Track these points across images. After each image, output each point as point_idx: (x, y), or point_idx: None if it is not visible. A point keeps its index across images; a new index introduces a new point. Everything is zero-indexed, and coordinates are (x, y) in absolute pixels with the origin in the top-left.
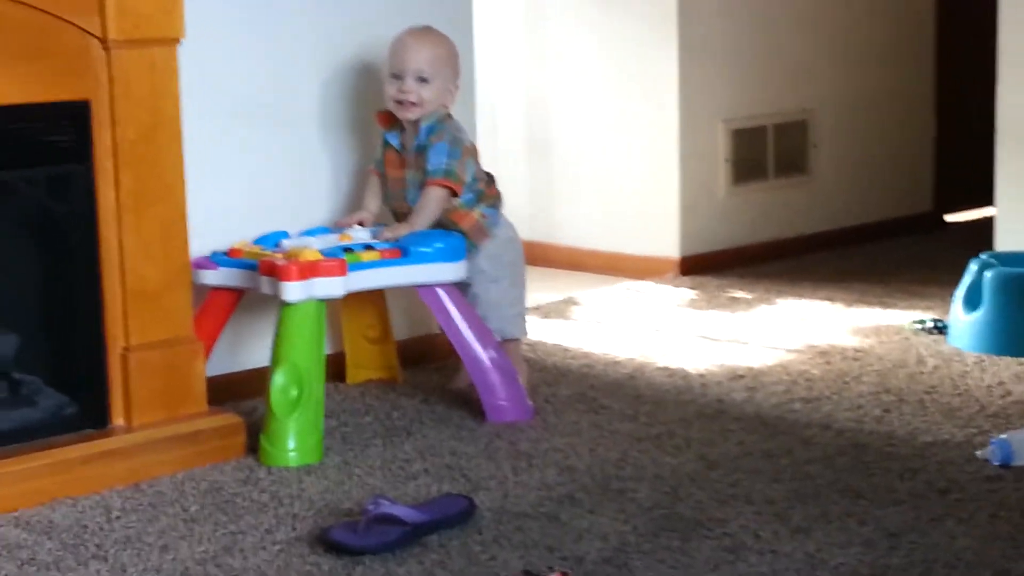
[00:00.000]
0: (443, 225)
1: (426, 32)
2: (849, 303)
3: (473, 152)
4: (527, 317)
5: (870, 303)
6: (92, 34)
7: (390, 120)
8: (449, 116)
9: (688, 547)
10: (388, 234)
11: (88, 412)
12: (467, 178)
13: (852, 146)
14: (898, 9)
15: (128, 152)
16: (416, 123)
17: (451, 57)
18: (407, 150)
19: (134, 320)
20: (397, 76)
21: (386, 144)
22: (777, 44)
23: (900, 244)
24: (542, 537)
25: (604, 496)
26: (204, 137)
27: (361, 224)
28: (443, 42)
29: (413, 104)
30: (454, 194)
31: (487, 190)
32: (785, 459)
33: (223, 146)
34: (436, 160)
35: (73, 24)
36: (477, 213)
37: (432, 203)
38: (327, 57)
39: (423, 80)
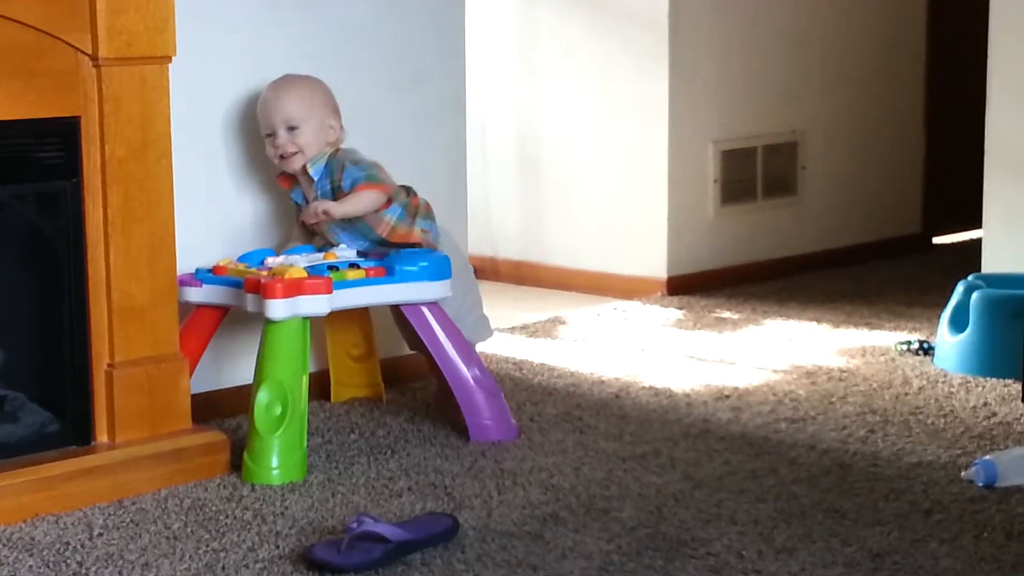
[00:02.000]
0: (392, 247)
1: (285, 81)
2: (836, 324)
3: (381, 167)
4: (487, 315)
5: (857, 324)
6: (83, 51)
7: (290, 179)
8: (337, 151)
9: (672, 567)
10: (320, 206)
11: (72, 428)
12: (391, 182)
13: (841, 167)
14: (888, 31)
15: (117, 169)
16: (305, 170)
17: (318, 96)
18: (312, 186)
19: (119, 337)
20: (270, 134)
21: (296, 203)
22: (767, 66)
23: (888, 265)
24: (526, 556)
25: (588, 515)
26: (191, 154)
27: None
28: (305, 84)
29: (293, 154)
30: (388, 200)
31: (411, 200)
32: (770, 479)
33: (210, 163)
34: (354, 176)
35: (64, 41)
36: (418, 230)
37: (363, 197)
38: (317, 74)
39: (293, 128)
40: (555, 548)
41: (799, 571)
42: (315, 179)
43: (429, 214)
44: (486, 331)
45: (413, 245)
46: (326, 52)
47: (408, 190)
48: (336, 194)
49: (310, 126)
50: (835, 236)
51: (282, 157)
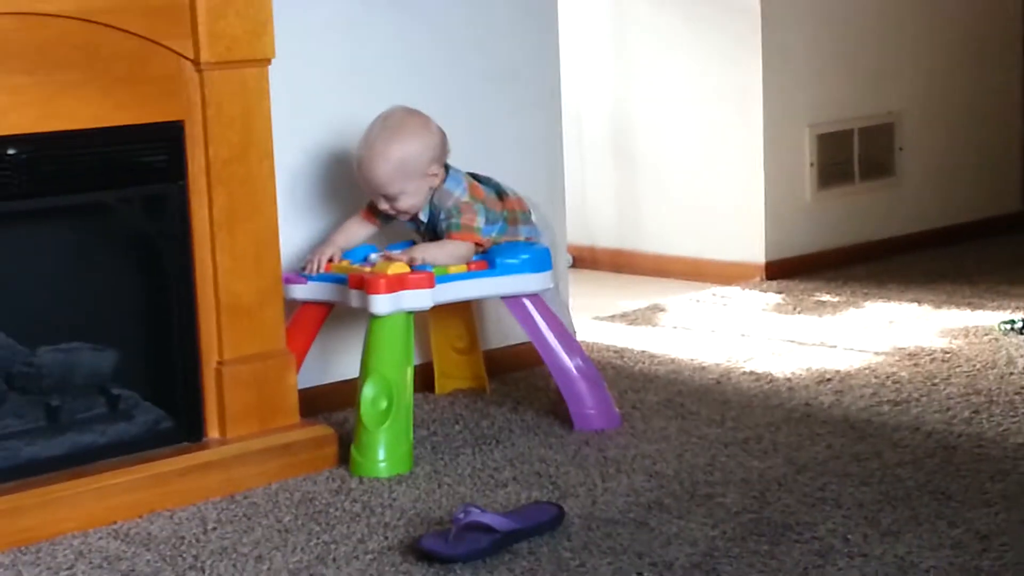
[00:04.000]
0: None
1: (377, 141)
2: (937, 305)
3: (473, 198)
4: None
5: (958, 304)
6: (185, 57)
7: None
8: (437, 188)
9: (777, 551)
10: (403, 257)
11: (184, 425)
12: (479, 223)
13: (938, 147)
14: (984, 9)
15: (221, 171)
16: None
17: (412, 153)
18: (420, 231)
19: (228, 335)
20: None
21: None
22: (861, 47)
23: (988, 244)
24: (631, 543)
25: (692, 501)
26: (294, 154)
27: (331, 260)
28: (397, 143)
29: (403, 212)
30: (477, 245)
31: (506, 205)
32: (874, 462)
33: (312, 163)
34: (444, 224)
35: (167, 48)
36: (522, 238)
37: (451, 247)
38: (413, 75)
39: (395, 198)
40: (660, 535)
41: (905, 554)
42: (424, 220)
43: (527, 216)
44: (566, 322)
45: None
46: (421, 49)
47: (499, 193)
48: (433, 231)
49: (411, 187)
50: (934, 216)
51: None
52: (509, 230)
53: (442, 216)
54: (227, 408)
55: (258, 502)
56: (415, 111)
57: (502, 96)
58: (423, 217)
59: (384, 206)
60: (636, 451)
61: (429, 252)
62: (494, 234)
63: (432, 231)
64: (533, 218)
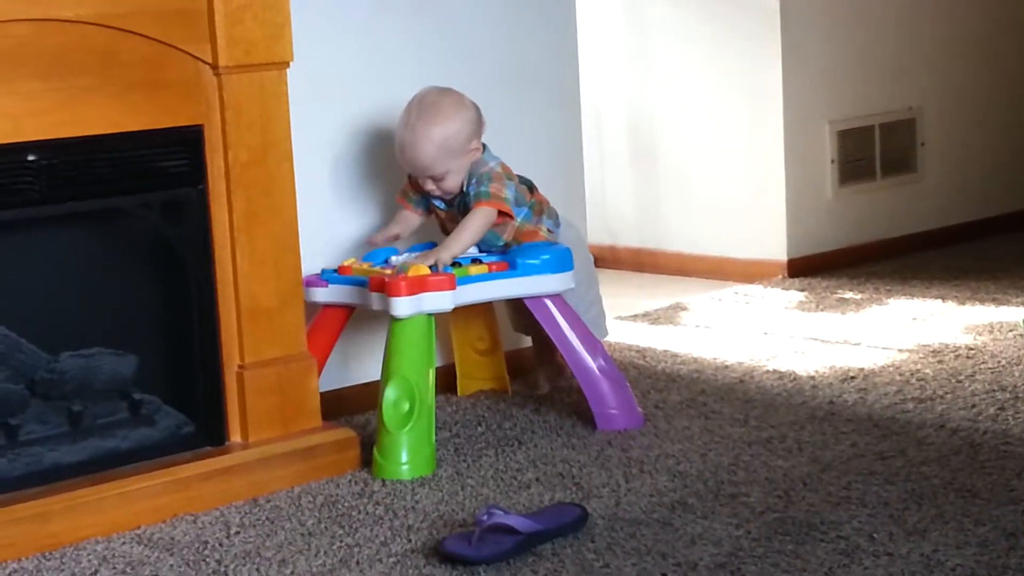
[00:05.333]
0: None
1: (419, 120)
2: (961, 301)
3: (505, 173)
4: (606, 316)
5: (983, 300)
6: (203, 61)
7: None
8: (478, 160)
9: (802, 551)
10: (428, 260)
11: (206, 430)
12: (506, 194)
13: (960, 142)
14: (1003, 2)
15: (240, 175)
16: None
17: (453, 131)
18: (454, 206)
19: (248, 339)
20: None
21: (432, 204)
22: (881, 42)
23: (1011, 240)
24: (655, 543)
25: (716, 501)
26: (312, 157)
27: (397, 237)
28: (438, 122)
29: (449, 192)
30: (503, 215)
31: (536, 198)
32: (899, 460)
33: (332, 165)
34: (473, 191)
35: (185, 52)
36: (544, 229)
37: (473, 220)
38: (430, 76)
39: (442, 178)
40: (684, 535)
41: (932, 552)
42: (462, 193)
43: (552, 211)
44: (602, 330)
45: None
46: (438, 50)
47: (531, 187)
48: (465, 201)
49: (453, 165)
50: (957, 212)
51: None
52: (533, 219)
53: (473, 182)
54: (249, 412)
55: (281, 506)
56: (447, 89)
57: (521, 96)
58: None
59: (431, 187)
60: (659, 451)
61: (451, 245)
62: (520, 218)
63: (464, 205)
64: (556, 219)
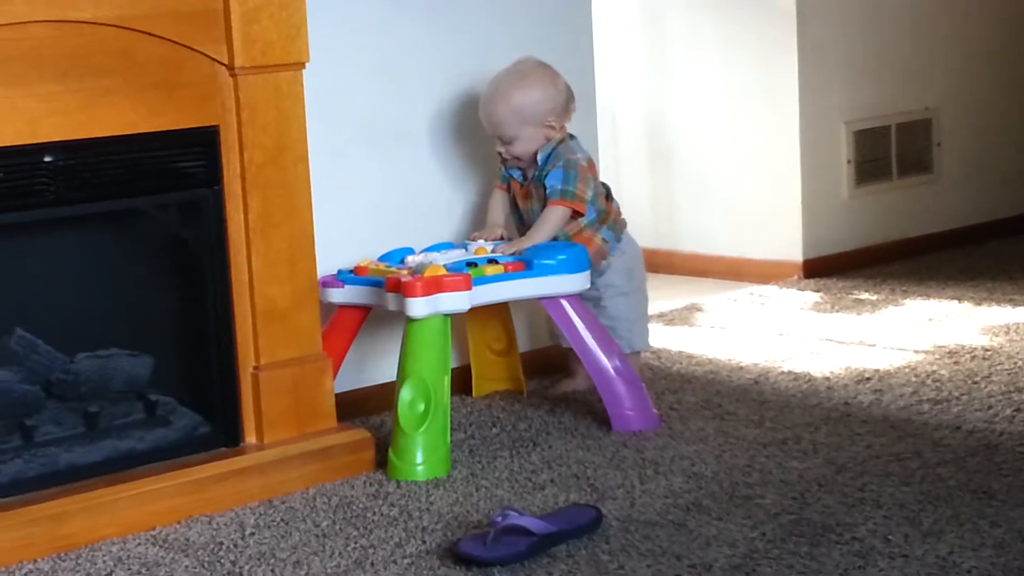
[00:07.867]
0: None
1: (503, 85)
2: (977, 302)
3: (590, 169)
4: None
5: (999, 301)
6: (220, 62)
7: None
8: (562, 140)
9: (817, 553)
10: (508, 249)
11: (221, 431)
12: (588, 195)
13: (976, 142)
14: (1020, 2)
15: (255, 175)
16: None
17: (532, 101)
18: (529, 180)
19: (264, 339)
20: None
21: (510, 175)
22: (897, 42)
23: None
24: (670, 545)
25: (731, 503)
26: (329, 157)
27: (502, 238)
28: (520, 89)
29: (515, 158)
30: (576, 213)
31: (607, 207)
32: (914, 462)
33: (347, 166)
34: (553, 183)
35: (201, 53)
36: (599, 239)
37: (552, 219)
38: (446, 76)
39: (510, 141)
40: (699, 536)
41: (947, 554)
42: (539, 163)
43: (616, 225)
44: (644, 342)
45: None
46: (454, 52)
47: (608, 193)
48: (541, 184)
49: (527, 133)
50: (973, 212)
51: (505, 159)
52: (595, 224)
53: (552, 173)
54: (264, 413)
55: (296, 507)
56: (545, 64)
57: None
58: (540, 158)
59: (500, 148)
60: (674, 452)
61: (534, 236)
62: (587, 220)
63: (539, 181)
64: (616, 234)
